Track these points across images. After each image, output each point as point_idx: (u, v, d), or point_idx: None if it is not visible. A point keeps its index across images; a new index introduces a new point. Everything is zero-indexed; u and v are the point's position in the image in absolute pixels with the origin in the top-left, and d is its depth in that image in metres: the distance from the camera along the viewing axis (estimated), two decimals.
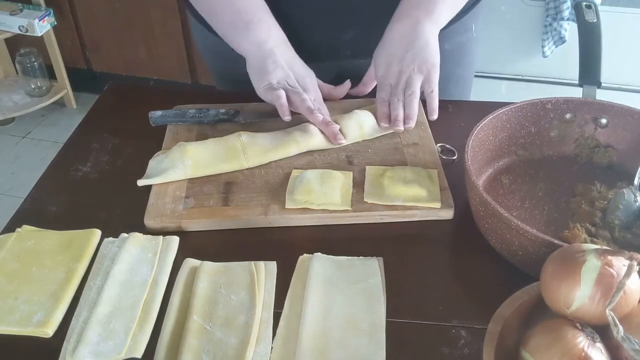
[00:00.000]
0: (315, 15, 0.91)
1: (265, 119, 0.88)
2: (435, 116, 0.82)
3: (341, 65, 0.98)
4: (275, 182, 0.79)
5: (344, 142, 0.84)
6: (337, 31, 0.93)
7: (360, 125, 0.85)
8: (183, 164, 0.78)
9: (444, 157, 0.83)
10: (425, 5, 0.84)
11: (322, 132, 0.84)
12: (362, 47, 0.90)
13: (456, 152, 0.84)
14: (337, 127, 0.83)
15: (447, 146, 0.85)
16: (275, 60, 0.85)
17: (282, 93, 0.82)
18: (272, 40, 0.86)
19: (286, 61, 0.86)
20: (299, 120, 0.85)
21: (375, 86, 0.89)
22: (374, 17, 0.91)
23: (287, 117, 0.82)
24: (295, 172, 0.80)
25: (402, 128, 0.82)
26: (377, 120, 0.85)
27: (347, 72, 0.95)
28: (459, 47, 1.02)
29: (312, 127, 0.84)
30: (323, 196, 0.74)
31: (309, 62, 0.90)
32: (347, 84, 0.92)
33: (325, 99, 0.89)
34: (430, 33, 0.84)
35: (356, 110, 0.87)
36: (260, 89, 0.85)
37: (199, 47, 1.09)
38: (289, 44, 0.88)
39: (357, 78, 0.93)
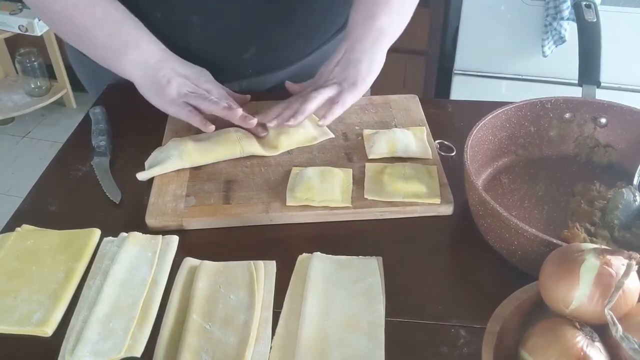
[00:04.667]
0: (214, 36, 0.90)
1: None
2: (325, 122, 0.79)
3: (244, 82, 0.96)
4: (276, 179, 0.79)
5: (265, 134, 0.83)
6: (237, 50, 0.92)
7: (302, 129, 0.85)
8: (178, 150, 0.80)
9: (442, 153, 0.84)
10: (365, 22, 0.82)
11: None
12: (263, 64, 0.88)
13: (455, 148, 0.84)
14: (255, 120, 0.80)
15: (446, 143, 0.85)
16: (165, 73, 0.82)
17: (193, 112, 0.80)
18: (155, 55, 0.83)
19: (175, 69, 0.83)
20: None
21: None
22: (272, 36, 0.90)
23: (210, 128, 0.80)
24: (295, 170, 0.80)
25: (273, 124, 0.79)
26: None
27: (251, 88, 0.93)
28: None
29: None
30: (323, 193, 0.75)
31: None
32: (247, 97, 0.90)
33: None
34: (367, 51, 0.81)
35: None
36: (163, 106, 0.83)
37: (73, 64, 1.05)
38: (169, 52, 0.85)
39: (260, 94, 0.92)
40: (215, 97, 0.83)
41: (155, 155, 0.81)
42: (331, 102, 0.79)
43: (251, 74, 0.96)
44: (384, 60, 0.83)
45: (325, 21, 0.91)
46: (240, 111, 0.79)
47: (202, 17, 0.87)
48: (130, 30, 0.83)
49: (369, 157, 0.82)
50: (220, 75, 0.88)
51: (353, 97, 0.80)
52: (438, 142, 0.85)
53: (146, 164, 0.81)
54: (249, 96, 0.90)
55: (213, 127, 0.80)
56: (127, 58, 0.82)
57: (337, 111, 0.79)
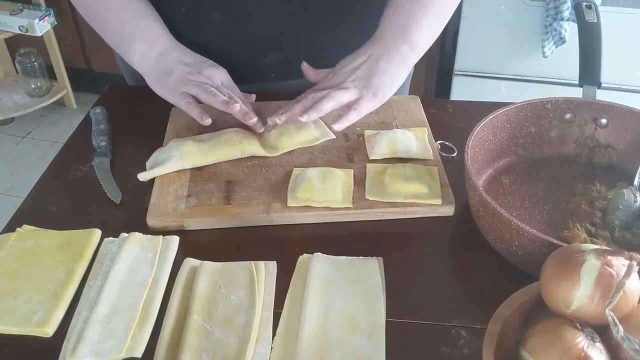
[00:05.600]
0: (234, 37, 0.90)
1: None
2: (339, 127, 0.77)
3: (265, 86, 0.95)
4: (277, 180, 0.79)
5: (261, 130, 0.83)
6: (256, 54, 0.92)
7: (305, 129, 0.84)
8: (179, 151, 0.80)
9: (443, 154, 0.84)
10: (400, 33, 0.81)
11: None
12: (286, 70, 0.88)
13: (455, 149, 0.84)
14: (255, 119, 0.81)
15: (447, 143, 0.85)
16: (168, 64, 0.82)
17: (192, 103, 0.80)
18: (160, 46, 0.83)
19: (177, 58, 0.83)
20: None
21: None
22: (296, 44, 0.90)
23: (207, 121, 0.80)
24: (296, 170, 0.80)
25: (283, 119, 0.77)
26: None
27: (272, 93, 0.93)
28: None
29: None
30: (324, 194, 0.75)
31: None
32: (252, 96, 0.90)
33: None
34: (395, 64, 0.79)
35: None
36: (165, 95, 0.83)
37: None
38: (176, 43, 0.85)
39: (280, 99, 0.91)
40: (218, 82, 0.83)
41: (156, 155, 0.81)
42: (347, 107, 0.77)
43: (274, 78, 0.96)
44: (406, 76, 0.82)
45: (356, 34, 0.88)
46: (238, 106, 0.79)
47: (223, 16, 0.87)
48: (140, 21, 0.83)
49: (370, 158, 0.82)
50: (241, 77, 0.88)
51: (370, 107, 0.78)
52: (439, 143, 0.85)
53: (147, 164, 0.81)
54: (253, 95, 0.90)
55: (209, 120, 0.80)
56: (134, 49, 0.83)
57: (353, 118, 0.77)
